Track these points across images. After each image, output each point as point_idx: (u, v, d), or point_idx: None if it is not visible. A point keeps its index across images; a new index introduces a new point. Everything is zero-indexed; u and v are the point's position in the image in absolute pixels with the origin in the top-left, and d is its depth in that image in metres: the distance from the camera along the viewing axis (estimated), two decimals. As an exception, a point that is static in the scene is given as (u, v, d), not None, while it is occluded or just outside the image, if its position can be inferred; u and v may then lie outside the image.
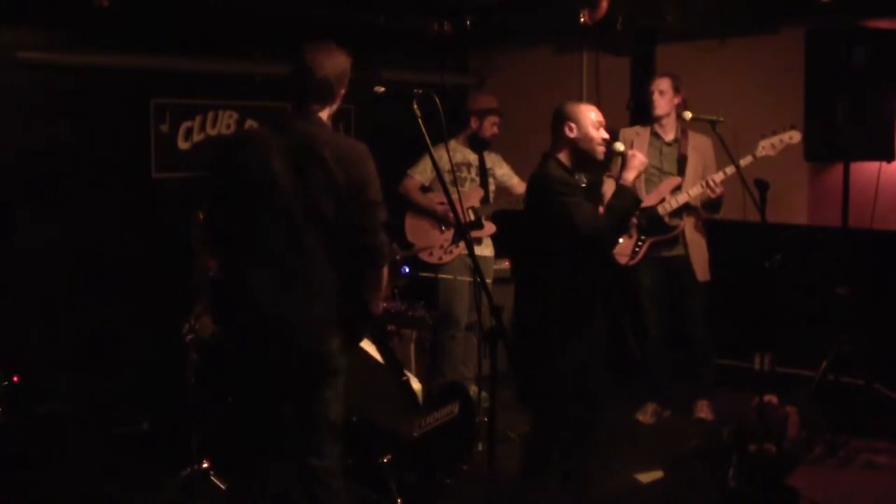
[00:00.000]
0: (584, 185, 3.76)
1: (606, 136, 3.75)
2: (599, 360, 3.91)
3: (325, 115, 3.18)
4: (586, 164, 3.80)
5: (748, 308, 5.19)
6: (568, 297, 3.72)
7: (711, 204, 4.99)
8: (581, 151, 3.74)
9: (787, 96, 5.28)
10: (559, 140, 3.77)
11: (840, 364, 5.00)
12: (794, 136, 4.77)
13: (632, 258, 5.14)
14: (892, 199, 5.29)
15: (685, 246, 5.08)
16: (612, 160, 4.38)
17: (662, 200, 5.03)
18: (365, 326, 3.41)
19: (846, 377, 5.04)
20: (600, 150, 3.74)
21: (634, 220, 5.05)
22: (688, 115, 4.94)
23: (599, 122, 3.75)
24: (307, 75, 3.09)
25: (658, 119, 5.11)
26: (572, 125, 3.74)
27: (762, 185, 4.27)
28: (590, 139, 3.72)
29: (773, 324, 5.04)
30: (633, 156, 3.75)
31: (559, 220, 3.63)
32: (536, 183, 3.76)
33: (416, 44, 6.28)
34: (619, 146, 3.77)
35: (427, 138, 3.15)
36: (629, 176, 3.73)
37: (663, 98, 5.07)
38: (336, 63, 3.14)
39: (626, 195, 3.71)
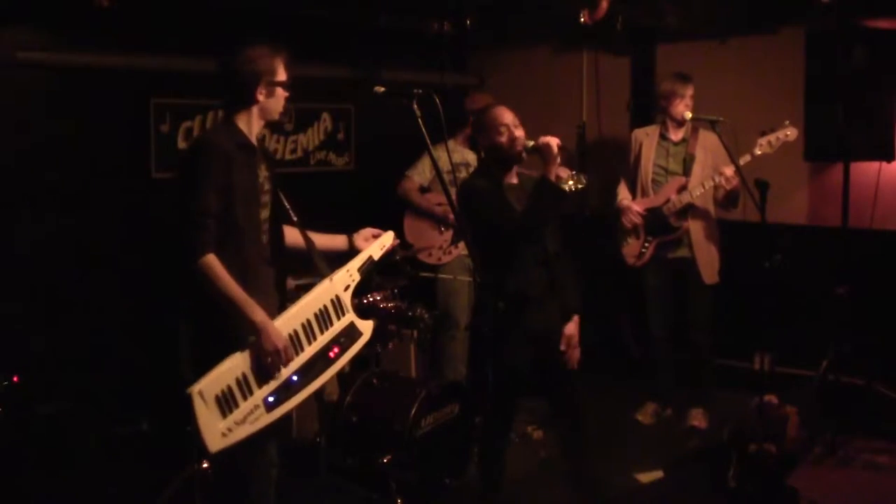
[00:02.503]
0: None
1: (519, 134, 3.72)
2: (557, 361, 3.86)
3: (243, 118, 3.21)
4: (509, 165, 3.78)
5: (748, 308, 5.19)
6: (499, 296, 3.72)
7: (728, 197, 4.93)
8: (497, 157, 3.78)
9: (787, 96, 5.29)
10: (482, 147, 3.86)
11: (840, 364, 5.01)
12: (791, 134, 4.77)
13: (639, 258, 5.14)
14: (892, 199, 5.29)
15: (690, 248, 5.06)
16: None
17: (668, 201, 5.02)
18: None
19: (846, 377, 5.04)
20: (515, 153, 3.74)
21: (637, 221, 5.05)
22: (688, 114, 4.95)
23: (509, 124, 3.73)
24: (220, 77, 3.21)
25: (683, 122, 5.07)
26: (483, 136, 3.79)
27: (762, 185, 4.27)
28: (498, 147, 3.74)
29: (773, 324, 5.03)
30: (548, 146, 3.63)
31: (479, 225, 3.68)
32: (458, 192, 3.83)
33: (416, 44, 6.29)
34: (530, 143, 3.72)
35: (427, 138, 3.15)
36: (551, 169, 3.64)
37: (692, 102, 5.04)
38: (242, 61, 3.14)
39: (545, 191, 3.64)
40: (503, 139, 3.73)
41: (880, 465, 4.59)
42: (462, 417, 4.47)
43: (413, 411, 4.15)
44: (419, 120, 3.16)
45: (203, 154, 3.12)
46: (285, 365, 3.13)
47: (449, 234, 5.37)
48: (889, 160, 4.99)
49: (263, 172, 3.30)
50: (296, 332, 3.20)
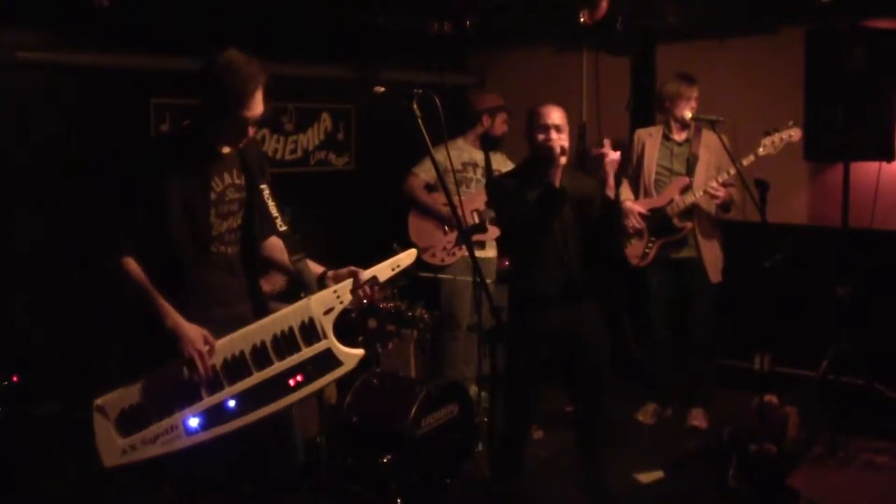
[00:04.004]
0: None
1: (549, 138, 3.77)
2: (592, 359, 3.90)
3: (214, 124, 3.05)
4: (542, 166, 3.78)
5: (748, 308, 5.18)
6: (518, 293, 3.83)
7: (721, 205, 4.95)
8: (534, 155, 3.84)
9: (787, 96, 5.28)
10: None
11: (840, 364, 5.00)
12: (795, 134, 4.77)
13: (642, 259, 5.12)
14: (892, 199, 5.29)
15: (697, 248, 5.04)
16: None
17: (671, 201, 5.01)
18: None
19: (846, 377, 5.04)
20: (544, 154, 3.76)
21: (640, 226, 5.04)
22: (688, 114, 4.95)
23: (545, 125, 3.79)
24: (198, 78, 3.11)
25: (686, 122, 5.05)
26: (526, 132, 3.86)
27: (762, 185, 4.27)
28: (533, 145, 3.83)
29: (773, 324, 5.03)
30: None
31: (499, 221, 3.88)
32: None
33: (416, 44, 6.29)
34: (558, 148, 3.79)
35: (427, 139, 3.15)
36: (554, 177, 3.68)
37: (697, 104, 5.03)
38: (222, 68, 3.02)
39: (546, 195, 3.69)
40: (538, 140, 3.79)
41: (880, 465, 4.58)
42: (462, 417, 4.47)
43: (413, 411, 4.15)
44: (419, 120, 3.16)
45: (137, 158, 3.02)
46: (203, 378, 2.90)
47: (453, 235, 5.36)
48: (889, 160, 4.98)
49: (231, 180, 3.09)
50: (242, 353, 2.95)
